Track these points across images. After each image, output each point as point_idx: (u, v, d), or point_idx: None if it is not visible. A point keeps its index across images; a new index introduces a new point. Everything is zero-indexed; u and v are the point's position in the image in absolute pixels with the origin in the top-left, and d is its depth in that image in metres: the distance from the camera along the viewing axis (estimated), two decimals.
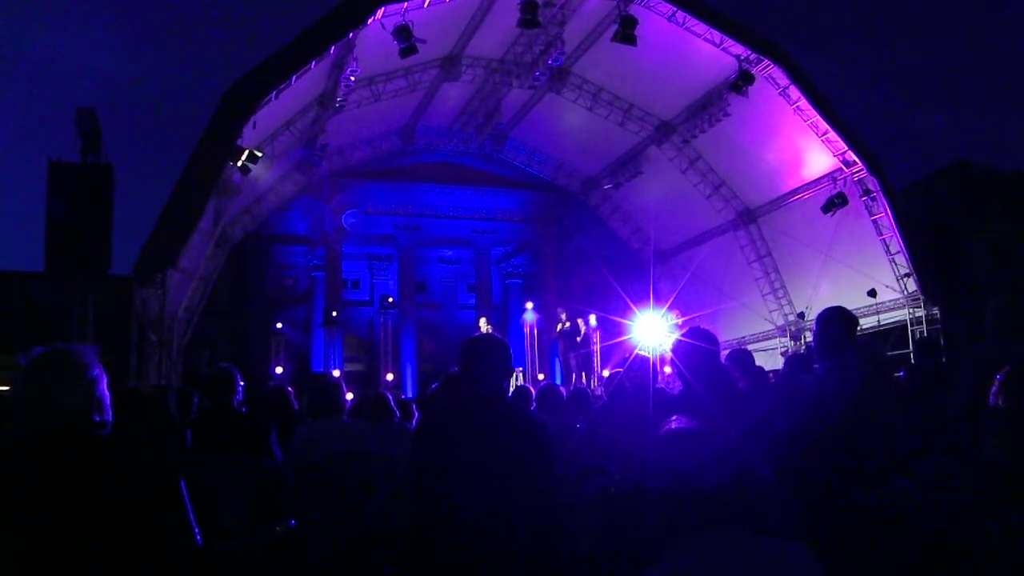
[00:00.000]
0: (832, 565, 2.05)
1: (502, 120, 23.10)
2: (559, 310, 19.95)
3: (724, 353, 5.18)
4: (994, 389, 2.38)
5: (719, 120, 19.80)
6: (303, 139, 20.36)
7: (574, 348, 18.75)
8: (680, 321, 18.18)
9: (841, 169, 19.17)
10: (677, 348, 4.17)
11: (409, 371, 27.72)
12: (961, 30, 79.44)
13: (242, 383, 5.02)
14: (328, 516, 4.64)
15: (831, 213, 19.30)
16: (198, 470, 4.17)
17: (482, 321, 21.73)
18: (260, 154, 16.49)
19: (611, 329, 19.07)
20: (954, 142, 73.96)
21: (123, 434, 2.51)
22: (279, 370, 26.56)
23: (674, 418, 2.16)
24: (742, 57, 18.10)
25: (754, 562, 1.93)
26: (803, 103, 18.36)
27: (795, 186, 20.99)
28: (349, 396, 7.22)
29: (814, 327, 4.02)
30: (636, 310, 18.08)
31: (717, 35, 17.79)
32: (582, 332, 18.65)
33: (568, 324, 18.92)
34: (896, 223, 18.64)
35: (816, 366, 4.13)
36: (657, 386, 5.31)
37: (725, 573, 1.92)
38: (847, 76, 72.18)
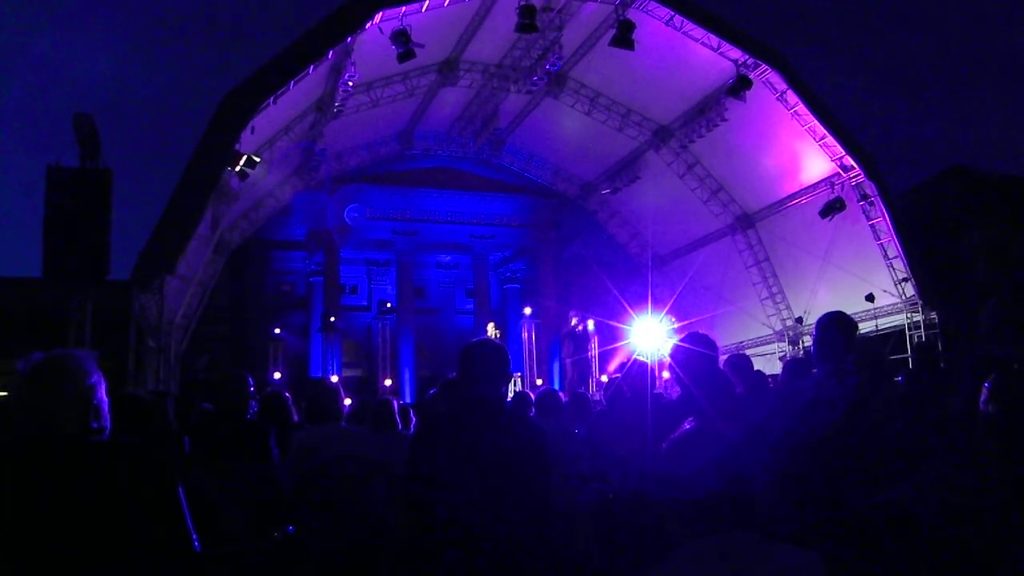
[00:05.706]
0: (832, 571, 2.05)
1: (500, 125, 23.18)
2: (571, 313, 19.93)
3: (722, 358, 5.17)
4: (983, 397, 2.40)
5: (717, 125, 19.84)
6: (301, 144, 20.37)
7: (580, 352, 18.75)
8: (678, 326, 18.20)
9: (839, 174, 19.20)
10: (675, 353, 4.16)
11: (407, 376, 27.67)
12: (959, 34, 79.68)
13: (253, 387, 4.95)
14: (326, 522, 4.62)
15: (829, 218, 19.33)
16: (196, 476, 4.16)
17: (490, 326, 21.62)
18: (258, 159, 16.49)
19: (609, 334, 19.08)
20: (951, 146, 74.07)
21: (121, 440, 2.51)
22: (277, 375, 26.53)
23: (687, 421, 2.15)
24: (740, 62, 18.14)
25: (760, 569, 1.92)
26: (801, 108, 18.40)
27: (793, 191, 21.03)
28: (347, 402, 7.20)
29: (814, 332, 4.00)
30: (634, 315, 18.11)
31: (715, 39, 17.82)
32: (590, 336, 18.65)
33: (580, 327, 18.90)
34: (894, 227, 18.67)
35: (815, 370, 4.12)
36: (655, 391, 5.30)
37: None
38: (845, 81, 72.26)
